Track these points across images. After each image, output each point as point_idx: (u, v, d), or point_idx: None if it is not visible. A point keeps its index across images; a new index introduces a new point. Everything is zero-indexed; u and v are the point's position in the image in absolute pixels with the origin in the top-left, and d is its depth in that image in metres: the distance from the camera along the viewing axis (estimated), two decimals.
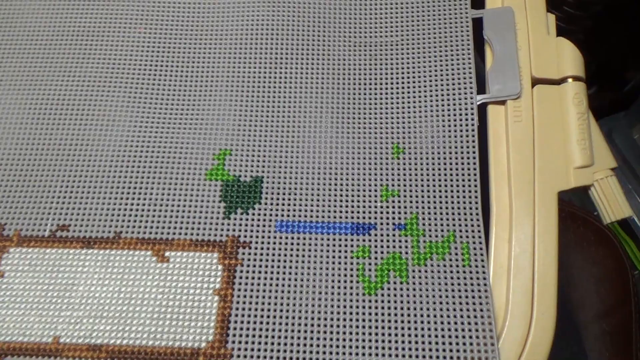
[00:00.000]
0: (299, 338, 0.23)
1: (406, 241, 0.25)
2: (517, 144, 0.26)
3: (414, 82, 0.28)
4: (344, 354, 0.23)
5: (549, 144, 0.26)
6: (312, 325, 0.23)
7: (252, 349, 0.23)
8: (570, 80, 0.28)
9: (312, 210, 0.26)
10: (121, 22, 0.30)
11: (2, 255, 0.25)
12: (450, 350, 0.23)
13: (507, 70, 0.28)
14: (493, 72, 0.28)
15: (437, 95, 0.28)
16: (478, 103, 0.28)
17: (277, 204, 0.26)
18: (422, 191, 0.26)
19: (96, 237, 0.25)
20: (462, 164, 0.26)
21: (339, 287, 0.24)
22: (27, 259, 0.25)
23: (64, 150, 0.27)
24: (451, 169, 0.26)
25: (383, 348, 0.23)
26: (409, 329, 0.23)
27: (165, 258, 0.25)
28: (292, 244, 0.25)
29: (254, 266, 0.25)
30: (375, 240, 0.25)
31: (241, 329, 0.23)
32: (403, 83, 0.28)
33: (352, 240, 0.25)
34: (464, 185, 0.26)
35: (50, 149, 0.27)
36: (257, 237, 0.25)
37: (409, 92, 0.28)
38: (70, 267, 0.25)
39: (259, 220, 0.26)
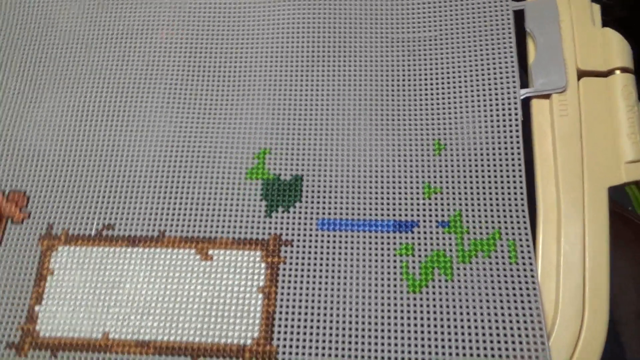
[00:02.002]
0: (343, 336, 0.23)
1: (450, 239, 0.25)
2: (563, 139, 0.26)
3: (454, 77, 0.28)
4: (389, 351, 0.23)
5: (598, 138, 0.26)
6: (357, 322, 0.23)
7: (297, 346, 0.23)
8: (618, 71, 0.27)
9: (353, 208, 0.26)
10: (158, 25, 0.31)
11: (52, 254, 0.26)
12: (499, 349, 0.22)
13: (552, 63, 0.27)
14: (536, 65, 0.27)
15: (479, 90, 0.27)
16: (522, 97, 0.27)
17: (318, 202, 0.26)
18: (465, 188, 0.26)
19: (141, 235, 0.26)
20: (506, 159, 0.26)
21: (382, 285, 0.24)
22: (75, 257, 0.26)
23: (107, 151, 0.28)
24: (495, 165, 0.26)
25: (429, 346, 0.23)
26: (456, 327, 0.23)
27: (209, 256, 0.25)
28: (334, 242, 0.25)
29: (297, 264, 0.25)
30: (419, 238, 0.25)
31: (286, 326, 0.23)
32: (443, 78, 0.28)
33: (394, 237, 0.25)
34: (508, 182, 0.25)
35: (94, 151, 0.28)
36: (299, 235, 0.25)
37: (449, 88, 0.28)
38: (117, 265, 0.25)
39: (300, 218, 0.26)
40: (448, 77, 0.28)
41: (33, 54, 0.31)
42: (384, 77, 0.28)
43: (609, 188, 0.25)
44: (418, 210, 0.25)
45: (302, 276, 0.24)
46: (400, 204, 0.26)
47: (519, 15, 0.29)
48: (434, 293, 0.24)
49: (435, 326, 0.23)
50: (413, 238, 0.25)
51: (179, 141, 0.28)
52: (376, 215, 0.25)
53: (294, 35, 0.30)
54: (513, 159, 0.26)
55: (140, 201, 0.27)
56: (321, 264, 0.25)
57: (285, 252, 0.25)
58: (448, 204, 0.25)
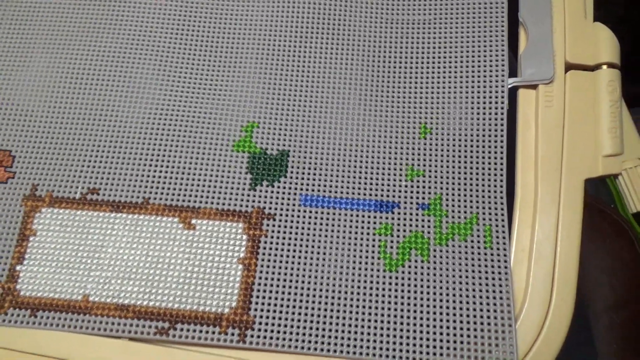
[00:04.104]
0: (319, 309, 0.24)
1: (429, 221, 0.25)
2: (546, 130, 0.26)
3: (444, 62, 0.28)
4: (362, 327, 0.23)
5: (579, 131, 0.26)
6: (333, 298, 0.24)
7: (274, 317, 0.24)
8: (604, 67, 0.27)
9: (336, 186, 0.26)
10: None
11: (35, 215, 0.26)
12: (468, 329, 0.23)
13: (541, 53, 0.27)
14: (526, 55, 0.28)
15: (467, 77, 0.28)
16: (509, 86, 0.27)
17: (303, 178, 0.26)
18: (448, 172, 0.26)
19: (125, 201, 0.26)
20: (490, 146, 0.26)
21: (360, 263, 0.25)
22: (59, 219, 0.26)
23: (95, 114, 0.28)
24: (478, 151, 0.26)
25: (402, 324, 0.23)
26: (428, 306, 0.24)
27: (192, 225, 0.25)
28: (315, 218, 0.25)
29: (278, 238, 0.25)
30: (398, 219, 0.25)
31: (264, 297, 0.24)
32: (433, 62, 0.28)
33: (375, 217, 0.25)
34: (489, 168, 0.26)
35: (82, 114, 0.28)
36: (281, 209, 0.26)
37: (439, 72, 0.28)
38: (100, 230, 0.26)
39: (284, 193, 0.26)
40: (439, 62, 0.28)
41: (24, 13, 0.30)
42: (375, 57, 0.28)
43: (590, 182, 0.25)
44: (400, 191, 0.26)
45: (282, 250, 0.25)
46: (382, 184, 0.26)
47: (513, 4, 0.29)
48: (409, 273, 0.24)
49: (408, 304, 0.24)
50: (393, 218, 0.25)
51: (167, 108, 0.28)
52: (358, 194, 0.26)
53: (287, 10, 0.29)
54: (496, 147, 0.26)
55: (126, 167, 0.27)
56: (302, 239, 0.25)
57: (267, 225, 0.25)
58: (429, 187, 0.26)
